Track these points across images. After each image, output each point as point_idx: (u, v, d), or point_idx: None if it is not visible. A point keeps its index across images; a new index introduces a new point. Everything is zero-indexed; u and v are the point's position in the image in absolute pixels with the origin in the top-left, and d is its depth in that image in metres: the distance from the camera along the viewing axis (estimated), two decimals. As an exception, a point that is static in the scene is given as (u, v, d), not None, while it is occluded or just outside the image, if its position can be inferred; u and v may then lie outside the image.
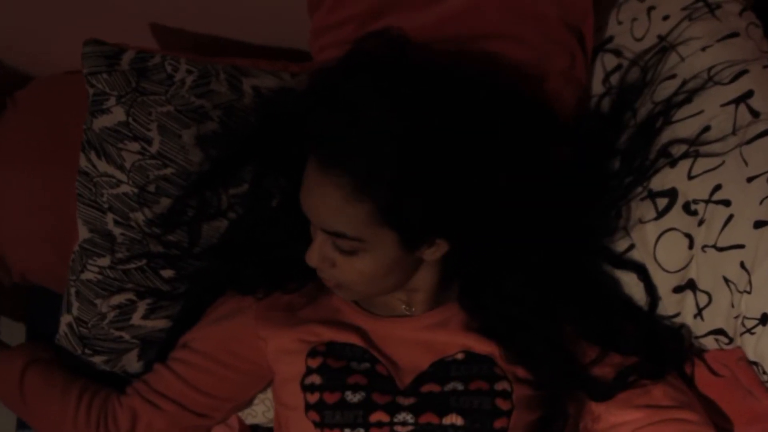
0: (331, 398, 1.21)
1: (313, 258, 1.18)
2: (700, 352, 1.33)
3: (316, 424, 1.22)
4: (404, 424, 1.21)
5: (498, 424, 1.21)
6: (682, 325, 1.32)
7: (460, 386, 1.22)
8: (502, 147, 1.19)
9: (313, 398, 1.22)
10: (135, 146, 1.34)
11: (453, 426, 1.20)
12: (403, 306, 1.29)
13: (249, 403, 1.39)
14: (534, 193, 1.24)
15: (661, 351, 1.29)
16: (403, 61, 1.23)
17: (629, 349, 1.28)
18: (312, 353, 1.25)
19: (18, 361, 1.33)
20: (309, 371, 1.24)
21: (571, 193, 1.32)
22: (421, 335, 1.27)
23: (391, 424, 1.21)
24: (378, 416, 1.21)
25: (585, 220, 1.34)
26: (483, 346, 1.25)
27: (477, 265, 1.25)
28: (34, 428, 1.36)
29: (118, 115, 1.33)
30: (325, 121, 1.12)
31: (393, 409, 1.21)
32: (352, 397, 1.21)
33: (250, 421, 1.42)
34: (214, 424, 1.36)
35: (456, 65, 1.24)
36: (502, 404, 1.21)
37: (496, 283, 1.26)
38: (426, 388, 1.23)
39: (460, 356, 1.25)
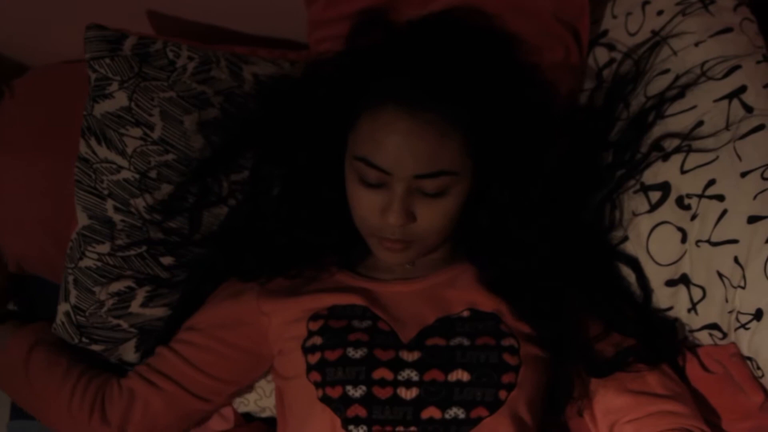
0: (332, 355, 1.20)
1: (399, 216, 1.18)
2: (694, 348, 1.33)
3: (317, 385, 1.20)
4: (408, 382, 1.19)
5: (506, 378, 1.19)
6: (676, 319, 1.32)
7: (466, 341, 1.21)
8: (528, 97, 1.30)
9: (314, 358, 1.21)
10: (137, 132, 1.34)
11: (459, 382, 1.18)
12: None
13: (248, 389, 1.39)
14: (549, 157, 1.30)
15: (657, 338, 1.29)
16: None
17: (628, 330, 1.28)
18: (314, 317, 1.25)
19: (27, 338, 1.34)
20: (310, 334, 1.24)
21: (567, 184, 1.33)
22: (427, 292, 1.27)
23: (395, 382, 1.19)
24: (381, 373, 1.19)
25: (579, 213, 1.36)
26: (489, 304, 1.25)
27: (491, 214, 1.28)
28: (31, 410, 1.35)
29: (120, 100, 1.33)
30: (403, 71, 1.18)
31: (397, 365, 1.20)
32: (354, 353, 1.20)
33: (242, 409, 1.42)
34: (211, 409, 1.36)
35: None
36: (509, 359, 1.20)
37: (507, 236, 1.28)
38: (431, 341, 1.22)
39: (465, 314, 1.25)
